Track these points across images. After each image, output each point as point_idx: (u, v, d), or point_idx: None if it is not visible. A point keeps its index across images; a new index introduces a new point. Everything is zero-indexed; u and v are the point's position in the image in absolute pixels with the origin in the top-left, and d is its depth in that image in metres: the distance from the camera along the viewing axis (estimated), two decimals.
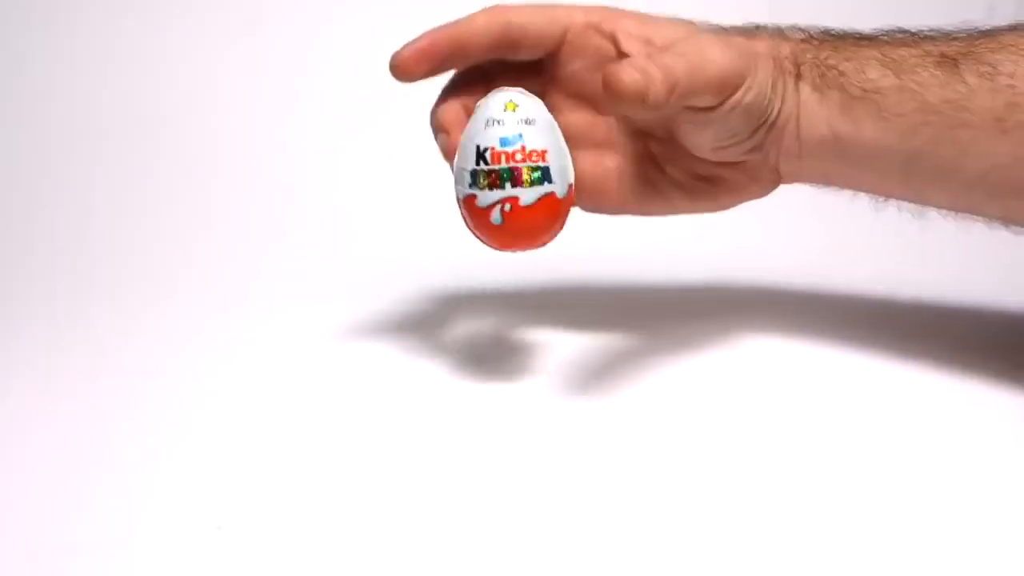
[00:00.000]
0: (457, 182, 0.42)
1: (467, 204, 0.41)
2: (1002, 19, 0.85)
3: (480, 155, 0.40)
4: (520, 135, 0.40)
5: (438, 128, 0.45)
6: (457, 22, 0.43)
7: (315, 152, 0.78)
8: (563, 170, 0.41)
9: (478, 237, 0.42)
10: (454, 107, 0.45)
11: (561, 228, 0.42)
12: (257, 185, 0.76)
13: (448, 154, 0.44)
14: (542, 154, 0.41)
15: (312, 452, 0.40)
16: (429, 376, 0.46)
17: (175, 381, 0.47)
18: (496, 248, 0.42)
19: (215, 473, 0.38)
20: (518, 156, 0.40)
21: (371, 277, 0.63)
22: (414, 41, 0.43)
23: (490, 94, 0.42)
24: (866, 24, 0.85)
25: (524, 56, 0.44)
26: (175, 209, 0.72)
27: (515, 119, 0.41)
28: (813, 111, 0.42)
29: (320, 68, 0.82)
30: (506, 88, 0.42)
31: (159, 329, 0.55)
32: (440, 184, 0.74)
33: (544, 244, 0.42)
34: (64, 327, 0.55)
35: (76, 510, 0.35)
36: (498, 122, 0.41)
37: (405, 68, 0.43)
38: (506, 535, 0.33)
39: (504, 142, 0.40)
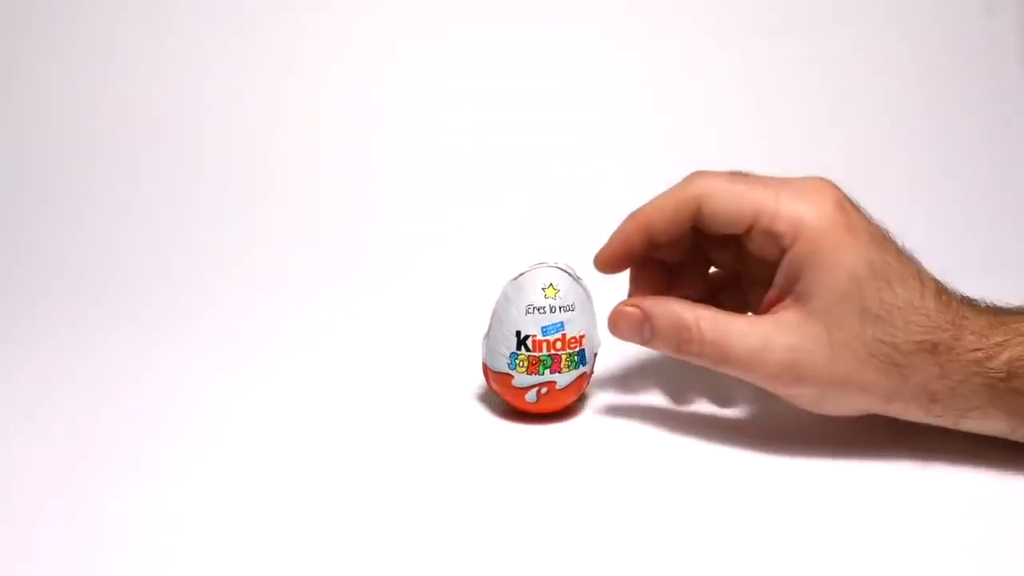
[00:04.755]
0: (490, 355, 0.43)
1: (500, 380, 0.42)
2: (1002, 19, 0.86)
3: (521, 341, 0.41)
4: (562, 323, 0.42)
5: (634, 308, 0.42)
6: (650, 204, 0.41)
7: (319, 154, 0.76)
8: (593, 347, 0.43)
9: (503, 399, 0.43)
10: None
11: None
12: (261, 187, 0.73)
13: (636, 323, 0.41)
14: (580, 339, 0.42)
15: (326, 476, 0.39)
16: (445, 391, 0.46)
17: (176, 388, 0.47)
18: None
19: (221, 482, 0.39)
20: (559, 344, 0.42)
21: (377, 280, 0.63)
22: (610, 241, 0.43)
23: (529, 269, 0.42)
24: (859, 31, 0.85)
25: (713, 234, 0.41)
26: (173, 211, 0.70)
27: (556, 305, 0.42)
28: None
29: (323, 69, 0.79)
30: (545, 264, 0.43)
31: (159, 330, 0.55)
32: (444, 188, 0.77)
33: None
34: (62, 334, 0.54)
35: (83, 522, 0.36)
36: (539, 309, 0.41)
37: (604, 268, 0.43)
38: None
39: (546, 331, 0.41)
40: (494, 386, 0.43)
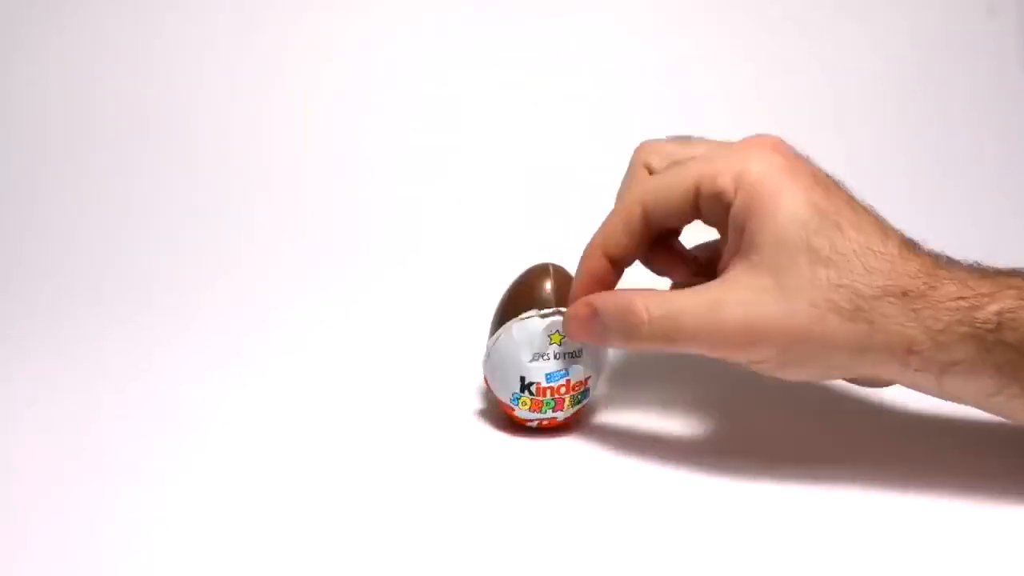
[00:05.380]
0: (494, 388, 0.41)
1: (503, 407, 0.42)
2: (1002, 19, 0.86)
3: (525, 386, 0.40)
4: (566, 371, 0.41)
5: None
6: (602, 229, 0.40)
7: (319, 154, 0.76)
8: (596, 383, 0.42)
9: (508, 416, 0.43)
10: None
11: None
12: (261, 188, 0.73)
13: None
14: (584, 382, 0.41)
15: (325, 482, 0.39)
16: (447, 395, 0.46)
17: (176, 389, 0.47)
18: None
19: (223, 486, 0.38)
20: (563, 390, 0.41)
21: (377, 281, 0.63)
22: (578, 282, 0.40)
23: (532, 315, 0.40)
24: (859, 31, 0.85)
25: (673, 226, 0.40)
26: (174, 211, 0.70)
27: (562, 352, 0.40)
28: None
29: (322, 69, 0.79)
30: (549, 311, 0.41)
31: (157, 329, 0.55)
32: (445, 188, 0.78)
33: None
34: (59, 335, 0.54)
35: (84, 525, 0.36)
36: (543, 356, 0.40)
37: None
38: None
39: (550, 378, 0.40)
40: (496, 401, 0.42)
